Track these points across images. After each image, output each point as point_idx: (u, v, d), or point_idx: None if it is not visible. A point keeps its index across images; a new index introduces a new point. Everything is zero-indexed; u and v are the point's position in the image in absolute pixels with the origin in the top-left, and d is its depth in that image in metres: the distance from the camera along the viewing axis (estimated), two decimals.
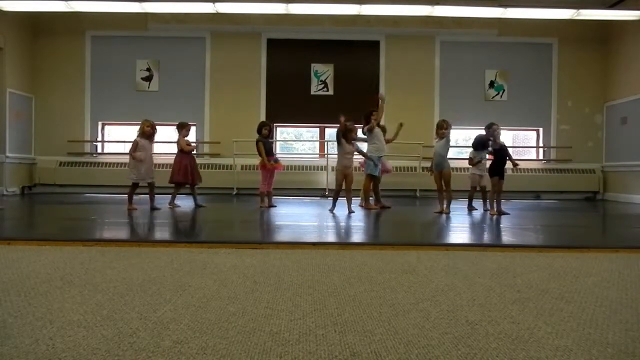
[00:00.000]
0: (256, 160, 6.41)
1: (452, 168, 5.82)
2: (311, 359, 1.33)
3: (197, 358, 1.32)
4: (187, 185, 6.04)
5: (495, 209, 5.40)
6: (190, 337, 1.48)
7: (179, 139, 5.97)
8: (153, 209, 5.49)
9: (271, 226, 4.51)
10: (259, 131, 6.02)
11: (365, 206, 5.98)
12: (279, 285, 2.14)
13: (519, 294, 2.05)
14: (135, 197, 5.58)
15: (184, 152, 5.92)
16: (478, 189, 6.12)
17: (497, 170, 5.39)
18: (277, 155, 6.77)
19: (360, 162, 6.29)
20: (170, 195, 5.95)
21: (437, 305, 1.86)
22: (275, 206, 6.15)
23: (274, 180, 6.23)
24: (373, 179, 5.88)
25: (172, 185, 5.98)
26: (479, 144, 5.76)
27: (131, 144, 5.49)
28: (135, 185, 5.55)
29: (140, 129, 5.53)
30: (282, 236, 3.93)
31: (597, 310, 1.82)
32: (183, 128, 6.02)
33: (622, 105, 8.65)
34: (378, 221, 4.93)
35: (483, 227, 4.56)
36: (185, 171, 5.84)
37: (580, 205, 7.58)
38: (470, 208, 6.06)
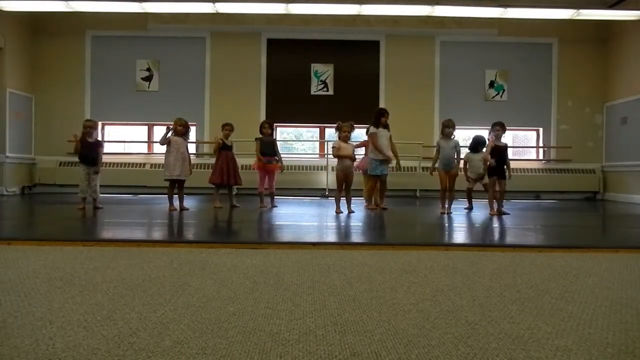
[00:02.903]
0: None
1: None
2: (311, 359, 1.33)
3: (197, 358, 1.32)
4: (226, 186, 6.01)
5: (495, 209, 5.41)
6: (190, 337, 1.48)
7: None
8: (173, 210, 5.46)
9: (271, 226, 4.51)
10: (261, 130, 6.08)
11: (367, 206, 5.98)
12: (279, 285, 2.14)
13: (519, 294, 2.05)
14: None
15: (220, 150, 5.91)
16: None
17: (495, 170, 5.39)
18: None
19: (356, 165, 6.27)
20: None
21: (437, 305, 1.86)
22: (277, 206, 6.15)
23: (275, 180, 6.21)
24: (377, 179, 5.83)
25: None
26: (478, 144, 5.85)
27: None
28: (172, 184, 5.56)
29: (172, 128, 5.58)
30: (282, 236, 3.92)
31: (597, 310, 1.82)
32: (222, 128, 6.01)
33: (622, 105, 8.65)
34: (378, 221, 4.92)
35: (483, 227, 4.56)
36: (220, 172, 5.83)
37: (580, 205, 7.58)
38: (466, 207, 6.16)
